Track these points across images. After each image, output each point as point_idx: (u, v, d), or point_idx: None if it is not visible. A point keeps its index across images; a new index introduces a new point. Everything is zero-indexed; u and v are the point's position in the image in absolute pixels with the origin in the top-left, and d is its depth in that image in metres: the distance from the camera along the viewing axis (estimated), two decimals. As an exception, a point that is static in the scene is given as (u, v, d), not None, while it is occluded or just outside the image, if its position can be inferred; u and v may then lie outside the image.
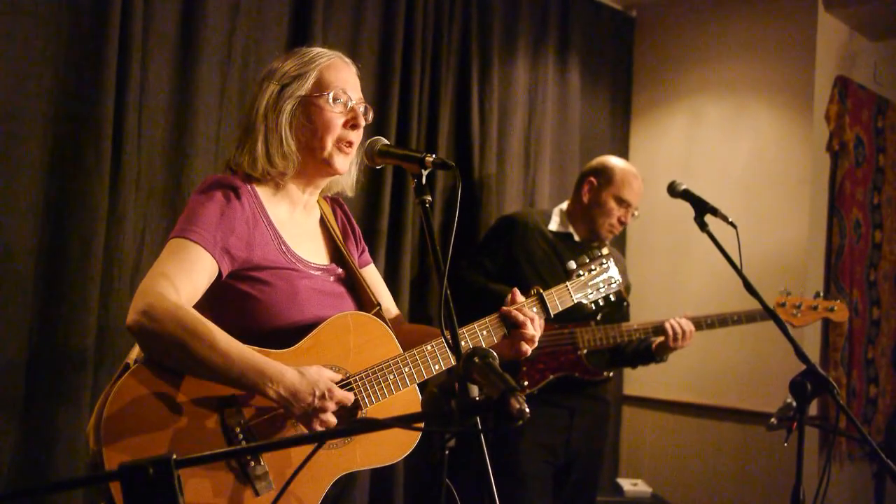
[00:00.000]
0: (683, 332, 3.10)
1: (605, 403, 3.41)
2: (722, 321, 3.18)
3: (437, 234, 3.18)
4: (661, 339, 3.15)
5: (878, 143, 4.52)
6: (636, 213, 3.29)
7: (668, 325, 3.11)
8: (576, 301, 2.11)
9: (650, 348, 3.22)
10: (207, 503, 1.66)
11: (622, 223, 3.27)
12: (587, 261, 2.16)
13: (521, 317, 1.93)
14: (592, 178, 3.26)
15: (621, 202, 3.22)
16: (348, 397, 1.75)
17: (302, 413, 1.70)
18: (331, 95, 1.88)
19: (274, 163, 1.86)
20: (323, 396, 1.68)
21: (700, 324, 3.16)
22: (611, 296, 2.18)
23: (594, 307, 2.16)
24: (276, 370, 1.67)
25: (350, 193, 2.07)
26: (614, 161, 3.31)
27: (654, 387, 4.41)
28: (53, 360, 2.46)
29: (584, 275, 2.14)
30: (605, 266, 2.16)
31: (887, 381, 4.63)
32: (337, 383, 1.75)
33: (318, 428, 1.70)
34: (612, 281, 2.17)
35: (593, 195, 3.25)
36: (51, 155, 2.48)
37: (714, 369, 4.18)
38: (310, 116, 1.87)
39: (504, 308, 1.96)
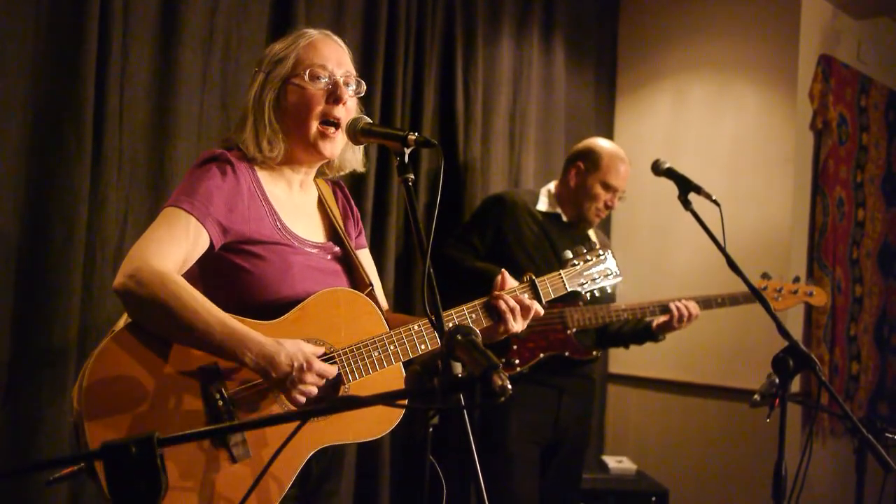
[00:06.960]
0: (690, 314, 3.13)
1: (591, 382, 3.43)
2: (706, 303, 3.19)
3: (420, 214, 3.18)
4: (664, 318, 3.17)
5: (861, 121, 4.54)
6: (623, 195, 3.29)
7: (673, 307, 3.13)
8: (569, 290, 2.06)
9: (650, 327, 3.24)
10: (184, 469, 1.66)
11: (609, 207, 3.28)
12: (583, 251, 2.11)
13: (503, 307, 1.91)
14: (580, 163, 3.25)
15: (608, 187, 3.22)
16: (330, 371, 1.74)
17: (278, 382, 1.70)
18: (307, 73, 1.87)
19: (262, 150, 1.87)
20: (301, 368, 1.68)
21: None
22: (608, 287, 2.13)
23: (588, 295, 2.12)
24: (256, 339, 1.68)
25: (361, 169, 2.07)
26: (601, 145, 3.30)
27: (639, 365, 4.44)
28: (36, 344, 2.45)
29: (578, 264, 2.10)
30: (601, 257, 2.12)
31: (869, 358, 4.67)
32: (320, 357, 1.75)
33: (299, 398, 1.70)
34: (609, 273, 2.12)
35: (580, 180, 3.24)
36: (31, 137, 2.45)
37: (698, 347, 4.20)
38: (290, 98, 1.87)
39: (493, 296, 1.94)
